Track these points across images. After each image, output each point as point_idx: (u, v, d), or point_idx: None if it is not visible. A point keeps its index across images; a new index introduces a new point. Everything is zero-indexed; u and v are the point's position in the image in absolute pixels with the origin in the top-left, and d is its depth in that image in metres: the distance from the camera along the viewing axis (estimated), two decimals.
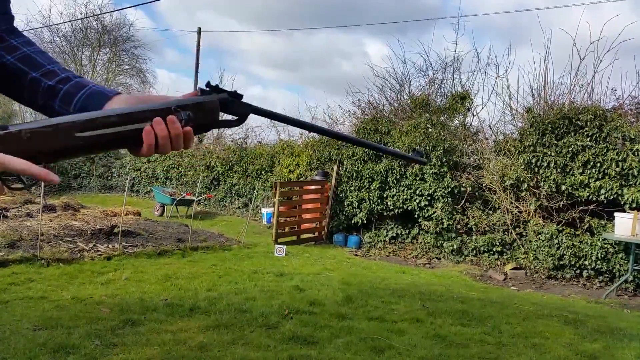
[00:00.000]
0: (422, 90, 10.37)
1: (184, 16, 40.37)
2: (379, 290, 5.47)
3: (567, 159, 7.39)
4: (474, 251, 8.29)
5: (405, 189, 9.00)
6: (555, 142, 7.53)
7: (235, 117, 0.84)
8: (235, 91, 0.83)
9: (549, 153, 7.54)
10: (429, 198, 8.74)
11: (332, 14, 41.17)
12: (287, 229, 9.33)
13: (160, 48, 37.87)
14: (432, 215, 8.63)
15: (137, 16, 46.88)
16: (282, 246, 7.70)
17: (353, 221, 9.47)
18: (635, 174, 6.81)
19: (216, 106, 0.79)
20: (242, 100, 0.83)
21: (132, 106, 0.74)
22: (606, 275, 7.01)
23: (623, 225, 6.40)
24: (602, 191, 7.01)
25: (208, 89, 0.80)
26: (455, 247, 8.39)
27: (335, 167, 9.78)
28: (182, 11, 40.48)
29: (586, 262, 7.06)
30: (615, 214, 6.58)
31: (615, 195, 6.93)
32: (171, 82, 35.23)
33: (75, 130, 0.66)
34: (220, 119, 0.81)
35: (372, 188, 9.24)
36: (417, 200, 8.83)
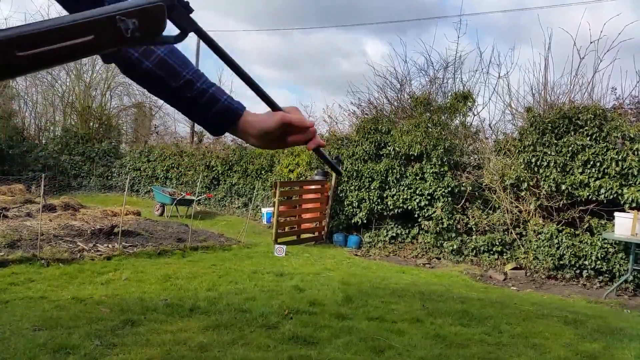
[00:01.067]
0: (423, 90, 10.36)
1: None
2: (379, 290, 5.47)
3: (567, 158, 7.39)
4: (474, 251, 8.29)
5: (405, 188, 9.00)
6: (555, 141, 7.53)
7: (173, 35, 0.73)
8: None
9: (549, 152, 7.54)
10: (429, 198, 8.74)
11: (331, 13, 41.12)
12: (287, 229, 9.33)
13: None
14: (432, 215, 8.63)
15: None
16: (282, 246, 7.70)
17: (353, 221, 9.47)
18: (635, 173, 6.80)
19: (162, 11, 0.68)
20: (189, 10, 0.72)
21: (72, 15, 0.65)
22: (606, 275, 7.01)
23: (623, 225, 6.39)
24: (602, 191, 7.00)
25: None
26: (455, 247, 8.39)
27: None
28: None
29: (586, 262, 7.05)
30: (615, 213, 6.58)
31: (615, 195, 6.92)
32: None
33: (17, 49, 0.60)
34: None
35: (372, 188, 9.24)
36: (417, 200, 8.83)
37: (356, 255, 8.58)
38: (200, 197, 11.81)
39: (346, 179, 9.69)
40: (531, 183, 7.77)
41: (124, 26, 0.65)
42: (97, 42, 0.65)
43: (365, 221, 9.37)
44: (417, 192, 8.87)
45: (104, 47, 0.67)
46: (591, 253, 7.00)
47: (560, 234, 7.37)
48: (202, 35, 0.75)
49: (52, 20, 0.64)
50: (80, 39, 0.64)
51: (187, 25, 0.72)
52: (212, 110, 0.93)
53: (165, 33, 0.71)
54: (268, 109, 0.92)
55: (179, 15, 0.71)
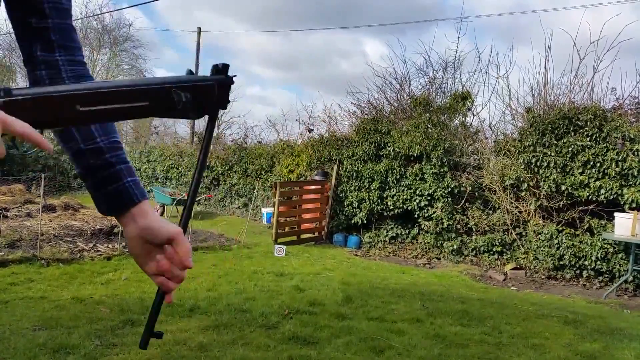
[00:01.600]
0: (422, 90, 10.36)
1: (181, 15, 40.37)
2: (379, 291, 5.47)
3: (567, 159, 7.39)
4: (474, 251, 8.29)
5: (405, 189, 9.00)
6: (555, 142, 7.53)
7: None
8: (231, 78, 0.74)
9: (549, 153, 7.54)
10: (429, 198, 8.74)
11: (330, 13, 41.16)
12: (287, 229, 9.33)
13: (159, 47, 37.80)
14: (432, 215, 8.63)
15: (136, 15, 46.77)
16: (282, 246, 7.70)
17: (353, 221, 9.47)
18: (635, 174, 6.81)
19: (213, 90, 0.73)
20: (223, 105, 0.74)
21: (133, 80, 0.70)
22: (606, 276, 7.01)
23: (623, 226, 6.39)
24: (602, 191, 7.01)
25: (218, 67, 0.74)
26: (455, 247, 8.39)
27: (335, 167, 9.78)
28: (179, 10, 40.48)
29: (586, 262, 7.05)
30: (615, 214, 6.58)
31: (615, 196, 6.93)
32: None
33: (79, 104, 0.64)
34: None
35: (372, 188, 9.24)
36: (417, 200, 8.83)
37: (356, 255, 8.58)
38: (200, 198, 11.80)
39: (346, 180, 9.69)
40: (531, 183, 7.77)
41: (177, 97, 0.69)
42: (150, 108, 0.69)
43: (365, 221, 9.37)
44: (417, 193, 8.87)
45: (156, 113, 0.71)
46: (591, 253, 7.00)
47: (560, 234, 7.37)
48: (210, 126, 0.75)
49: (114, 82, 0.69)
50: (136, 103, 0.68)
51: (210, 110, 0.74)
52: (107, 188, 0.84)
53: None
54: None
55: (214, 99, 0.74)
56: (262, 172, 12.25)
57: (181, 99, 0.70)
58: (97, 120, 0.68)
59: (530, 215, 7.93)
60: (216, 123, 0.77)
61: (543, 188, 7.57)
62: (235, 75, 0.75)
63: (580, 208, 7.40)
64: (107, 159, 0.85)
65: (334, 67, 36.62)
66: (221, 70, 0.74)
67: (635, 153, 6.80)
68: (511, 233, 8.05)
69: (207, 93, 0.72)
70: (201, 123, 18.26)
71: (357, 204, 9.41)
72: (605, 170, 7.03)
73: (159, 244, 0.80)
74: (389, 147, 9.26)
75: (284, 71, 40.15)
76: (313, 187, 9.76)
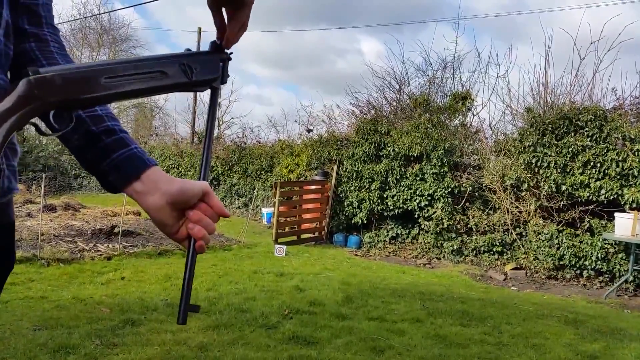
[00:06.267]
0: (421, 89, 10.35)
1: (173, 12, 40.25)
2: (379, 291, 5.47)
3: (568, 159, 7.39)
4: (474, 251, 8.29)
5: (406, 189, 9.00)
6: (556, 142, 7.53)
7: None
8: (228, 55, 0.81)
9: (549, 153, 7.54)
10: (429, 198, 8.74)
11: (326, 10, 41.06)
12: (287, 229, 9.33)
13: (154, 45, 37.47)
14: (432, 216, 8.63)
15: (127, 12, 46.52)
16: (282, 246, 7.70)
17: (353, 221, 9.47)
18: (636, 174, 6.80)
19: (218, 66, 0.80)
20: (224, 80, 0.82)
21: (147, 56, 0.76)
22: (606, 276, 7.01)
23: (623, 226, 6.39)
24: (602, 191, 7.00)
25: (217, 43, 0.81)
26: (455, 247, 8.39)
27: (335, 167, 9.78)
28: (172, 7, 40.34)
29: (586, 262, 7.05)
30: (616, 214, 6.58)
31: (615, 196, 6.92)
32: None
33: (103, 76, 0.68)
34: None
35: (372, 188, 9.24)
36: (417, 201, 8.83)
37: (356, 255, 8.58)
38: None
39: (346, 180, 9.69)
40: (531, 184, 7.77)
41: (189, 70, 0.76)
42: (167, 79, 0.74)
43: (365, 221, 9.37)
44: (417, 193, 8.87)
45: (172, 86, 0.76)
46: (591, 253, 7.00)
47: (561, 234, 7.37)
48: (214, 99, 0.82)
49: (131, 57, 0.79)
50: (150, 74, 0.73)
51: (215, 84, 0.81)
52: (116, 153, 0.77)
53: None
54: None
55: (218, 73, 0.81)
56: (262, 172, 12.25)
57: (193, 71, 0.76)
58: (120, 95, 0.70)
59: (531, 215, 7.93)
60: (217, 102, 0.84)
61: (543, 188, 7.57)
62: (232, 52, 0.82)
63: (581, 208, 7.40)
64: (108, 126, 0.80)
65: (330, 65, 36.58)
66: (219, 46, 0.81)
67: (636, 153, 6.80)
68: (511, 233, 8.05)
69: (213, 67, 0.79)
70: (202, 123, 18.25)
71: (357, 204, 9.41)
72: (606, 171, 7.03)
73: (194, 203, 0.77)
74: (388, 147, 9.26)
75: (280, 70, 40.10)
76: (313, 187, 9.75)
